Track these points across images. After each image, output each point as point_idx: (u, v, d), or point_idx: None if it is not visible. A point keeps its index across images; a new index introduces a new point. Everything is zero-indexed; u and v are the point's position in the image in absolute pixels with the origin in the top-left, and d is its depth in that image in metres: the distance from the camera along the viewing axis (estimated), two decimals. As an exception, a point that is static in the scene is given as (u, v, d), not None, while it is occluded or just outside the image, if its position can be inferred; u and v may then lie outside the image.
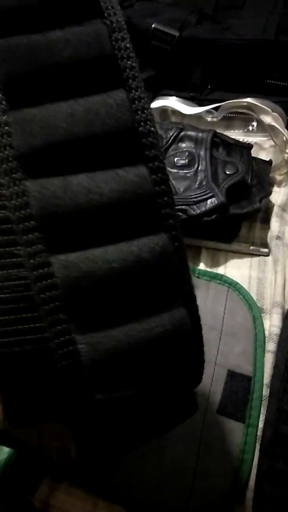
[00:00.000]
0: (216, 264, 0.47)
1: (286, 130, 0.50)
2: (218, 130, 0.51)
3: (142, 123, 0.15)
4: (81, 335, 0.14)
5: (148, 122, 0.15)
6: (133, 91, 0.15)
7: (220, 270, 0.46)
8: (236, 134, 0.57)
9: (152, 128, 0.15)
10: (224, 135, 0.51)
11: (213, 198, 0.44)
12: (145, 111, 0.15)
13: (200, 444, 0.35)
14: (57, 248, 0.14)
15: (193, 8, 0.63)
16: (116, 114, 0.14)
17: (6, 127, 0.14)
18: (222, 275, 0.45)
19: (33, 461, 0.36)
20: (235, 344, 0.40)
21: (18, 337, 0.14)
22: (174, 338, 0.15)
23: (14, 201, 0.13)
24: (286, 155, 0.51)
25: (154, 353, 0.15)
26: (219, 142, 0.50)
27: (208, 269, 0.46)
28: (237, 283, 0.44)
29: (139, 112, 0.15)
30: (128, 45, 0.15)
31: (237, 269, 0.46)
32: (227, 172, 0.46)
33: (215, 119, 0.56)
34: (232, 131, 0.58)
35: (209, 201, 0.44)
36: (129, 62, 0.15)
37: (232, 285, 0.44)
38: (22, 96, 0.14)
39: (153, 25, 0.58)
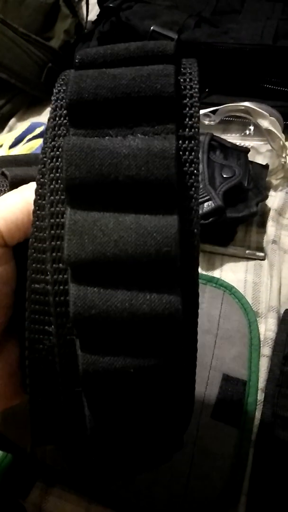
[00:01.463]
0: (212, 267, 0.47)
1: (283, 134, 0.51)
2: (215, 134, 0.51)
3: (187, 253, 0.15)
4: None
5: (195, 254, 0.15)
6: (187, 223, 0.15)
7: (216, 273, 0.46)
8: (233, 138, 0.57)
9: (197, 267, 0.15)
10: (221, 138, 0.51)
11: (210, 202, 0.44)
12: (194, 247, 0.15)
13: (194, 448, 0.35)
14: (86, 348, 0.14)
15: (191, 11, 0.63)
16: (164, 241, 0.14)
17: (62, 231, 0.15)
18: (218, 279, 0.45)
19: (25, 465, 0.35)
20: (230, 348, 0.40)
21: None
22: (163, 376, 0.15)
23: (57, 298, 0.15)
24: (283, 160, 0.51)
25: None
26: (216, 145, 0.50)
27: (204, 272, 0.46)
28: (232, 287, 0.44)
29: (187, 243, 0.15)
30: (196, 181, 0.15)
31: (233, 272, 0.46)
32: (224, 176, 0.46)
33: (212, 122, 0.56)
34: (229, 134, 0.58)
35: (205, 204, 0.44)
36: (191, 192, 0.15)
37: (228, 289, 0.44)
38: (80, 200, 0.14)
39: (151, 28, 0.58)
